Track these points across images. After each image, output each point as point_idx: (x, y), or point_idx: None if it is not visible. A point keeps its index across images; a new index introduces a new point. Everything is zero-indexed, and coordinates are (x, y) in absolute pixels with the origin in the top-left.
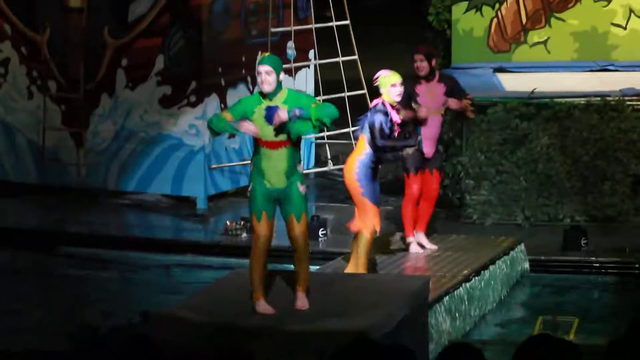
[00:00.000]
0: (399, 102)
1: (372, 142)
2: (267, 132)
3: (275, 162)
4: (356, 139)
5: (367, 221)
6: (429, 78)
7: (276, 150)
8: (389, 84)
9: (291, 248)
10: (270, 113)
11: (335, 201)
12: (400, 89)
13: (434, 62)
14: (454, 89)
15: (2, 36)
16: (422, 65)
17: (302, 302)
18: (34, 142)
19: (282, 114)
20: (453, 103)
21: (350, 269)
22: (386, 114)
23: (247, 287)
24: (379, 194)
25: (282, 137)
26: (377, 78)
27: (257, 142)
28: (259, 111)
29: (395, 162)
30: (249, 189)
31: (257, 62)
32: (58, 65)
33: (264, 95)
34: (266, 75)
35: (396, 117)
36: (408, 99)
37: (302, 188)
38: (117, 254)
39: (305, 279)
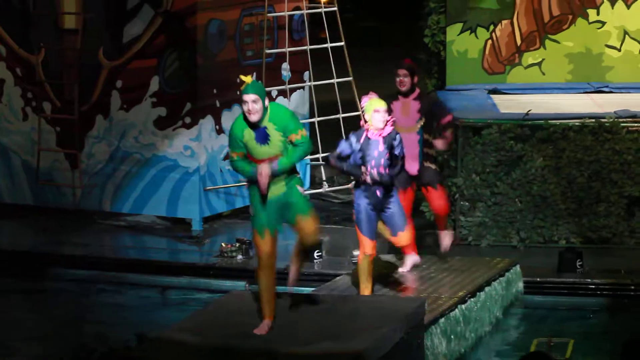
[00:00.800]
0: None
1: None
2: (261, 152)
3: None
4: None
5: (360, 248)
6: (407, 94)
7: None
8: (372, 109)
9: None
10: (259, 135)
11: (330, 223)
12: (383, 115)
13: (416, 79)
14: (432, 109)
15: None
16: (405, 80)
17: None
18: (28, 164)
19: (265, 173)
20: (439, 144)
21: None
22: (352, 143)
23: (242, 308)
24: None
25: (274, 152)
26: (362, 103)
27: (252, 161)
28: (248, 134)
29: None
30: (251, 209)
31: (242, 89)
32: (53, 87)
33: (252, 123)
34: (253, 104)
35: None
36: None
37: (301, 189)
38: (112, 275)
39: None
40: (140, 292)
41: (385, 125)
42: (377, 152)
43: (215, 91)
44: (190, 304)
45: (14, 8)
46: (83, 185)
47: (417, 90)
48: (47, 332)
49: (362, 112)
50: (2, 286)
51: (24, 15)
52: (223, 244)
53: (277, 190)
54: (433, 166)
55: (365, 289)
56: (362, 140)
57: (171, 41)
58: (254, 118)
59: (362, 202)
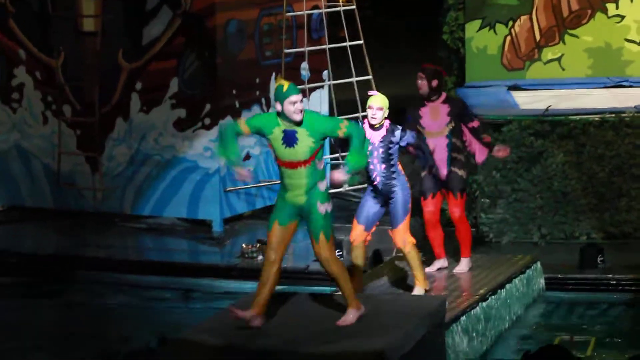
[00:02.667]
0: (408, 125)
1: None
2: (285, 153)
3: (295, 179)
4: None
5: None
6: (431, 98)
7: (294, 169)
8: (368, 104)
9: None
10: (287, 137)
11: (351, 222)
12: (373, 112)
13: (434, 83)
14: (460, 113)
15: (17, 61)
16: (421, 83)
17: (346, 317)
18: (49, 167)
19: (340, 177)
20: (501, 153)
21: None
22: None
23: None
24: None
25: (300, 157)
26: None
27: (277, 161)
28: (277, 133)
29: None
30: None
31: (284, 91)
32: (73, 90)
33: (285, 119)
34: (300, 104)
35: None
36: (413, 122)
37: (322, 207)
38: (133, 277)
39: (349, 295)
40: (162, 294)
41: (381, 123)
42: (372, 147)
43: (234, 92)
44: (212, 305)
45: (32, 12)
46: (104, 188)
47: (444, 94)
48: (69, 334)
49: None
50: (25, 289)
51: (43, 18)
52: (244, 245)
53: (298, 198)
54: (460, 172)
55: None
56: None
57: (190, 42)
58: (299, 117)
59: (368, 192)
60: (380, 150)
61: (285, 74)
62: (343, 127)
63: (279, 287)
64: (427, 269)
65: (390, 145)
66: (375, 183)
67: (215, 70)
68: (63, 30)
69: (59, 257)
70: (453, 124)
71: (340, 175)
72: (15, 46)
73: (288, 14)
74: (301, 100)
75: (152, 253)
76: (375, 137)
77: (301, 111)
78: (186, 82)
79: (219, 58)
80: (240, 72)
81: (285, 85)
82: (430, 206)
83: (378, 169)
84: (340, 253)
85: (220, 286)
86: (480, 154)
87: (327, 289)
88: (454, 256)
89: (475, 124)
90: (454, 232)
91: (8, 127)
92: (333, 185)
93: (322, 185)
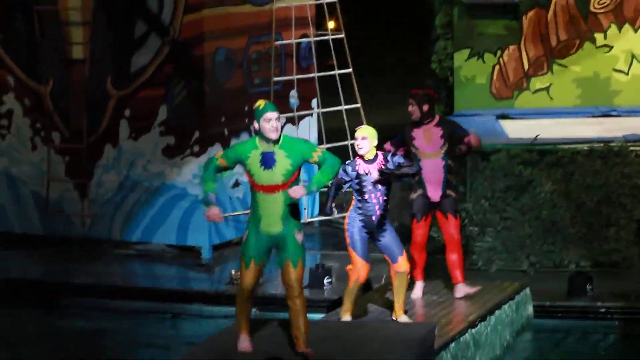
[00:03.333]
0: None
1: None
2: (263, 176)
3: (271, 206)
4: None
5: (353, 272)
6: (423, 122)
7: (271, 194)
8: (356, 137)
9: (286, 298)
10: (265, 158)
11: (340, 249)
12: (358, 143)
13: (425, 107)
14: (453, 133)
15: (5, 88)
16: (412, 109)
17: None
18: (38, 194)
19: (299, 192)
20: (473, 140)
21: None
22: (348, 171)
23: (252, 335)
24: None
25: (277, 180)
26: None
27: (253, 188)
28: (254, 156)
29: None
30: (244, 236)
31: (260, 109)
32: (61, 117)
33: (262, 140)
34: (276, 122)
35: (364, 169)
36: (402, 142)
37: (299, 236)
38: (122, 304)
39: (303, 332)
40: (151, 320)
41: (372, 153)
42: (372, 183)
43: (223, 119)
44: (201, 331)
45: (21, 39)
46: (92, 215)
47: (437, 117)
48: None
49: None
50: (13, 315)
51: (31, 45)
52: (233, 271)
53: (273, 227)
54: (454, 194)
55: (347, 311)
56: (357, 169)
57: (179, 70)
58: (274, 136)
59: (356, 225)
60: (382, 181)
61: (274, 102)
62: (318, 151)
63: (267, 314)
64: (413, 295)
65: (384, 172)
66: (372, 217)
67: (203, 98)
68: (51, 58)
69: (47, 283)
70: (447, 146)
71: (299, 190)
72: (3, 73)
73: (277, 42)
74: (277, 119)
75: (140, 279)
76: (372, 170)
77: (277, 129)
78: (175, 109)
79: (207, 86)
80: (229, 100)
81: (262, 104)
82: (422, 229)
83: (380, 202)
84: (330, 280)
85: (209, 312)
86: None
87: (315, 316)
88: (446, 281)
89: (468, 137)
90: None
91: None
92: (320, 211)
93: (298, 215)
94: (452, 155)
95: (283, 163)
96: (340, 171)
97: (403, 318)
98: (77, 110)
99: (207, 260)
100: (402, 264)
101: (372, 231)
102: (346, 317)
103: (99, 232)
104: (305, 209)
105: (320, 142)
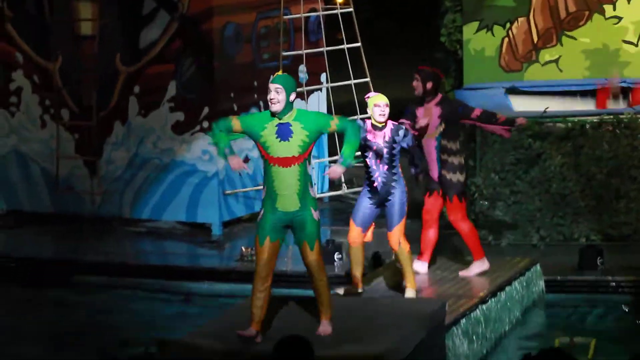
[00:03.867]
0: (407, 121)
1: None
2: (279, 148)
3: (288, 181)
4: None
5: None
6: (425, 99)
7: (288, 167)
8: (372, 104)
9: (307, 274)
10: (282, 129)
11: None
12: (382, 109)
13: (429, 85)
14: (454, 112)
15: (15, 65)
16: (416, 84)
17: (324, 328)
18: (47, 171)
19: (338, 172)
20: (520, 120)
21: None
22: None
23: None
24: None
25: (294, 152)
26: (366, 99)
27: (267, 162)
28: (270, 127)
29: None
30: (260, 214)
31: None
32: (70, 94)
33: (273, 113)
34: (275, 93)
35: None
36: (413, 118)
37: (315, 214)
38: (132, 281)
39: (327, 306)
40: (161, 298)
41: (386, 122)
42: (377, 147)
43: (232, 95)
44: (211, 308)
45: (30, 16)
46: (102, 192)
47: (439, 96)
48: (68, 339)
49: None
50: (24, 294)
51: (41, 22)
52: (243, 248)
53: (290, 205)
54: (451, 175)
55: (354, 277)
56: (367, 131)
57: (188, 46)
58: (274, 108)
59: (364, 192)
60: (385, 150)
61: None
62: (335, 120)
63: (278, 291)
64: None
65: (394, 146)
66: (375, 184)
67: (212, 74)
68: (60, 34)
69: (57, 261)
70: (443, 126)
71: (337, 169)
72: (12, 50)
73: (285, 17)
74: (276, 89)
75: (151, 257)
76: (379, 137)
77: (275, 102)
78: (184, 85)
79: (217, 61)
80: (238, 75)
81: (273, 76)
82: (427, 204)
83: (380, 170)
84: (340, 256)
85: (219, 289)
86: (505, 133)
87: None
88: (456, 257)
89: (477, 112)
90: (454, 234)
91: (6, 131)
92: (331, 183)
93: (312, 192)
94: (450, 136)
95: (300, 135)
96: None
97: (408, 292)
98: (86, 87)
99: (217, 237)
100: (390, 239)
101: (378, 198)
102: (353, 282)
103: (108, 209)
104: (314, 184)
105: None
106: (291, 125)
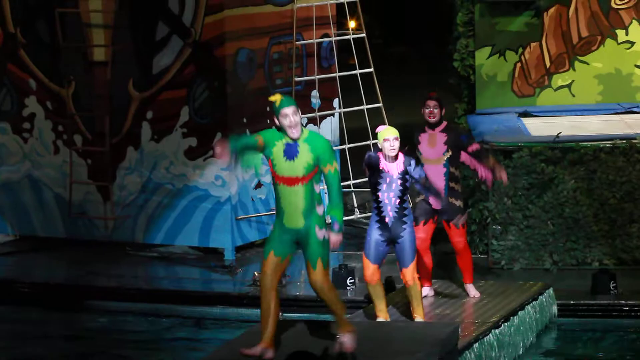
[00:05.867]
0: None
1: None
2: (284, 167)
3: (293, 199)
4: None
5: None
6: (434, 126)
7: (293, 187)
8: (382, 138)
9: (302, 279)
10: (289, 149)
11: (362, 249)
12: (392, 144)
13: (443, 111)
14: (459, 139)
15: (28, 91)
16: (435, 111)
17: (343, 340)
18: (60, 197)
19: (337, 239)
20: (503, 176)
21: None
22: (371, 164)
23: (275, 337)
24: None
25: (298, 172)
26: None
27: (274, 181)
28: (280, 145)
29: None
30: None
31: (277, 105)
32: (83, 119)
33: (284, 133)
34: (294, 117)
35: (389, 167)
36: (413, 147)
37: (320, 233)
38: (145, 306)
39: (341, 319)
40: (174, 322)
41: (397, 155)
42: (390, 180)
43: (245, 120)
44: (224, 333)
45: (43, 42)
46: (115, 217)
47: (445, 123)
48: None
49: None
50: (36, 318)
51: (54, 48)
52: (256, 273)
53: (296, 223)
54: (457, 203)
55: (379, 311)
56: (380, 162)
57: (200, 71)
58: (295, 134)
59: (373, 226)
60: (398, 182)
61: (296, 101)
62: (334, 166)
63: (288, 315)
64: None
65: (407, 178)
66: (386, 219)
67: (225, 99)
68: (73, 60)
69: (70, 286)
70: (450, 153)
71: (336, 237)
72: (26, 76)
73: (298, 43)
74: (294, 113)
75: (163, 282)
76: (393, 170)
77: (296, 124)
78: (197, 110)
79: (229, 87)
80: (251, 101)
81: (278, 100)
82: (420, 233)
83: (392, 204)
84: (353, 280)
85: (232, 314)
86: (489, 178)
87: None
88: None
89: (474, 147)
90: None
91: (19, 157)
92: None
93: (320, 210)
94: (455, 163)
95: (305, 157)
96: (367, 157)
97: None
98: (99, 112)
99: (230, 262)
100: (405, 275)
101: (389, 235)
102: (380, 317)
103: (121, 234)
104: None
105: (342, 142)
106: (299, 146)
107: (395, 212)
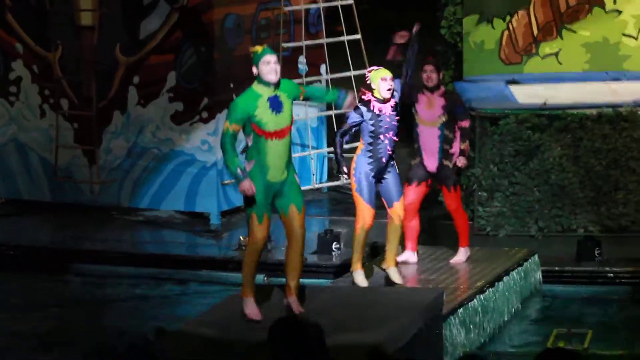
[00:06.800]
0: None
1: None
2: (275, 121)
3: (281, 151)
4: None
5: (359, 218)
6: (433, 90)
7: (282, 139)
8: (379, 77)
9: (286, 244)
10: (273, 102)
11: (348, 215)
12: (390, 84)
13: (441, 75)
14: (455, 109)
15: (14, 55)
16: (432, 75)
17: (296, 305)
18: (46, 161)
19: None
20: (460, 162)
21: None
22: (362, 112)
23: (260, 301)
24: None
25: (287, 122)
26: (368, 73)
27: (263, 138)
28: (263, 102)
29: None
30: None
31: (259, 53)
32: (70, 84)
33: (262, 85)
34: (275, 65)
35: (379, 108)
36: (409, 96)
37: (297, 179)
38: (131, 270)
39: (299, 277)
40: (159, 287)
41: (392, 95)
42: (388, 121)
43: (232, 85)
44: (209, 297)
45: (30, 6)
46: (101, 181)
47: (442, 88)
48: (66, 327)
49: (368, 82)
50: (22, 282)
51: (41, 12)
52: (241, 237)
53: (280, 175)
54: (450, 165)
55: (358, 261)
56: (373, 109)
57: (188, 36)
58: (274, 78)
59: (364, 169)
60: (394, 116)
61: (283, 68)
62: (301, 88)
63: (276, 280)
64: (404, 261)
65: (397, 107)
66: (383, 159)
67: (212, 64)
68: (60, 24)
69: (56, 250)
70: (446, 117)
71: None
72: (12, 40)
73: (286, 9)
74: (275, 62)
75: (149, 246)
76: (386, 109)
77: (276, 72)
78: (184, 76)
79: (217, 52)
80: (238, 66)
81: (260, 48)
82: (411, 195)
83: (389, 141)
84: (338, 246)
85: (218, 278)
86: (455, 154)
87: (323, 282)
88: (454, 247)
89: (465, 123)
90: (451, 225)
91: (5, 121)
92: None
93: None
94: (450, 127)
95: (287, 104)
96: (353, 114)
97: (392, 270)
98: (86, 77)
99: (216, 227)
100: (396, 209)
101: (379, 173)
102: (357, 268)
103: (107, 198)
104: (313, 174)
105: (328, 108)
106: (279, 96)
107: (391, 147)
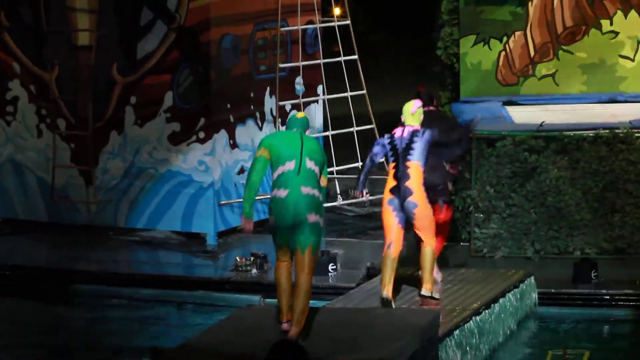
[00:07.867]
0: None
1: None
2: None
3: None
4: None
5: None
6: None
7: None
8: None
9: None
10: None
11: (344, 236)
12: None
13: (434, 102)
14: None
15: (11, 75)
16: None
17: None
18: (43, 180)
19: None
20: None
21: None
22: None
23: (257, 322)
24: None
25: None
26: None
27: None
28: None
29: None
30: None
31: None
32: (67, 104)
33: None
34: None
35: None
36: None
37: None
38: (127, 291)
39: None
40: (155, 307)
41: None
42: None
43: (229, 106)
44: (205, 318)
45: (27, 26)
46: (98, 201)
47: (435, 108)
48: (62, 347)
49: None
50: (18, 302)
51: (38, 32)
52: (238, 258)
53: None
54: (449, 184)
55: (384, 285)
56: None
57: (185, 57)
58: None
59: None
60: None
61: (279, 88)
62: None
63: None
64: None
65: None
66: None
67: (209, 85)
68: (57, 44)
69: (52, 270)
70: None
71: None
72: (9, 59)
73: (282, 29)
74: None
75: (145, 266)
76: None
77: None
78: (181, 96)
79: (213, 72)
80: (235, 87)
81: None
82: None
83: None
84: (334, 267)
85: (214, 299)
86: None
87: (319, 303)
88: (450, 269)
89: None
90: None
91: (2, 141)
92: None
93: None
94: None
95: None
96: (376, 145)
97: (423, 292)
98: (83, 97)
99: (212, 247)
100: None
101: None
102: (385, 292)
103: (104, 218)
104: None
105: (325, 128)
106: None
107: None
